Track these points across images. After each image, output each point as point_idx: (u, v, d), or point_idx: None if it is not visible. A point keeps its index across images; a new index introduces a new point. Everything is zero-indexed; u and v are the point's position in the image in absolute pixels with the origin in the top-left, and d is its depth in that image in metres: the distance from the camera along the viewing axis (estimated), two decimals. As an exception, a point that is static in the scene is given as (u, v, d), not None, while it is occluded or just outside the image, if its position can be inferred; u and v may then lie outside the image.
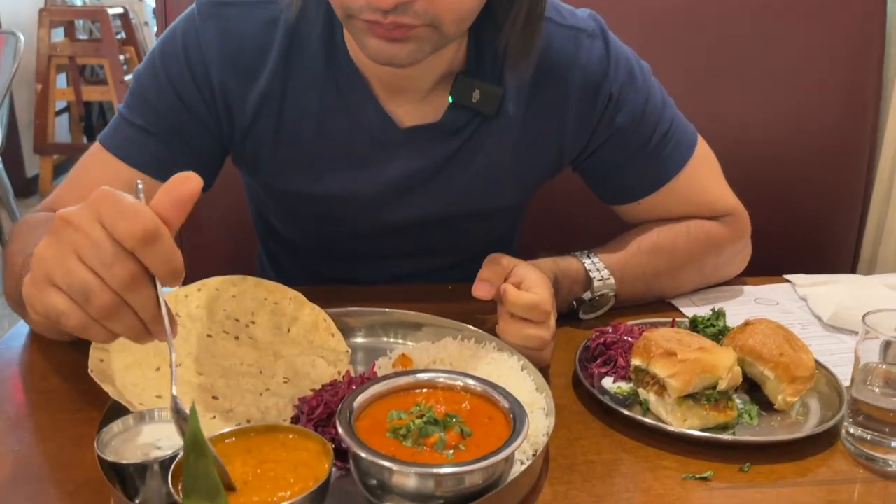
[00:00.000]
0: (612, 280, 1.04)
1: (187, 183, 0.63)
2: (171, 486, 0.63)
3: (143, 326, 0.63)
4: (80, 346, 0.97)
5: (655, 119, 1.08)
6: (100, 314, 0.61)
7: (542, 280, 0.91)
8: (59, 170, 5.15)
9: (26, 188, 4.70)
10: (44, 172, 4.77)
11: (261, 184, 1.11)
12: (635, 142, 1.08)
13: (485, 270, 0.92)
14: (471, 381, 0.76)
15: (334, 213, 1.10)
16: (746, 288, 1.19)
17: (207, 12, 0.98)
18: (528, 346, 0.88)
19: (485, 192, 1.09)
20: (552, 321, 0.90)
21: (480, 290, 0.90)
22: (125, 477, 0.67)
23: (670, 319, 1.00)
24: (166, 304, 0.64)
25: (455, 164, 1.05)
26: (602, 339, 0.95)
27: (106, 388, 0.75)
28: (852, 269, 1.71)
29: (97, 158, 1.01)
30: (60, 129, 5.11)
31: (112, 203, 0.61)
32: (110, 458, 0.68)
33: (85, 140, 5.29)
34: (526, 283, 0.90)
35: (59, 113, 5.01)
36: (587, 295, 1.04)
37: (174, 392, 0.64)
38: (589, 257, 1.06)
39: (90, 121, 5.33)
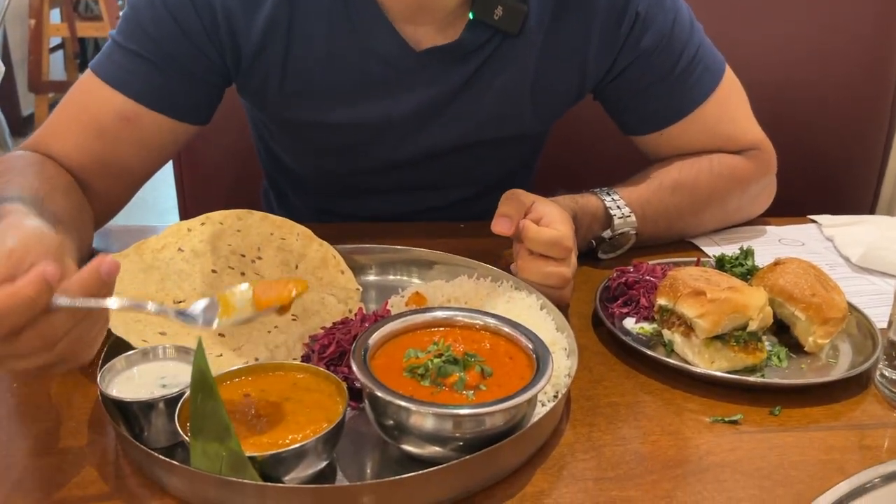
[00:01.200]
0: (632, 217, 1.00)
1: None
2: (177, 425, 0.60)
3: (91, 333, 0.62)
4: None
5: (683, 43, 1.03)
6: (59, 360, 0.60)
7: (562, 216, 0.86)
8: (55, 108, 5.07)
9: (22, 127, 4.62)
10: (39, 111, 4.67)
11: (268, 116, 1.06)
12: (661, 65, 1.03)
13: (504, 206, 0.87)
14: (490, 320, 0.72)
15: (346, 145, 1.05)
16: (771, 228, 1.14)
17: None
18: (548, 284, 0.84)
19: (503, 119, 1.04)
20: (573, 258, 0.86)
21: (500, 225, 0.85)
22: (129, 415, 0.64)
23: (694, 259, 0.96)
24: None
25: (472, 87, 1.00)
26: (623, 279, 0.91)
27: (110, 324, 0.71)
28: (871, 210, 1.67)
29: (89, 87, 0.96)
30: (55, 67, 4.99)
31: None
32: (113, 395, 0.65)
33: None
34: (546, 218, 0.85)
35: (53, 50, 4.88)
36: (607, 233, 1.00)
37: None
38: (609, 194, 1.01)
39: (85, 58, 5.20)
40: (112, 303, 0.60)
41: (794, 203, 1.22)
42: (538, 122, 1.09)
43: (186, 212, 1.47)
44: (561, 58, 1.01)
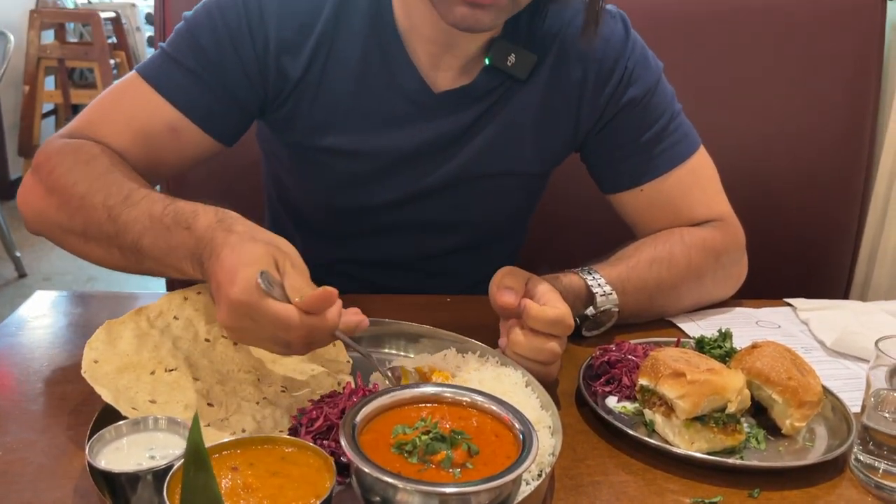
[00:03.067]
0: (614, 295, 1.03)
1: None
2: (165, 498, 0.60)
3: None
4: (72, 345, 0.95)
5: (664, 104, 1.13)
6: (301, 351, 0.78)
7: (558, 294, 0.89)
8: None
9: (8, 190, 4.63)
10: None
11: (292, 144, 1.12)
12: (643, 120, 1.12)
13: (506, 279, 0.90)
14: (478, 397, 0.74)
15: (362, 175, 1.11)
16: (748, 310, 1.18)
17: None
18: (539, 359, 0.86)
19: (506, 152, 1.12)
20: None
21: (507, 296, 0.88)
22: (116, 487, 0.64)
23: (675, 339, 0.99)
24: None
25: (481, 123, 1.09)
26: (606, 357, 0.93)
27: (99, 390, 0.72)
28: (845, 292, 1.72)
29: (138, 91, 1.02)
30: (46, 132, 5.04)
31: (272, 320, 0.73)
32: (101, 466, 0.65)
33: (71, 143, 5.22)
34: (544, 297, 0.88)
35: (45, 115, 4.95)
36: (590, 311, 1.03)
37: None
38: (589, 273, 1.05)
39: (77, 124, 5.26)
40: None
41: (770, 286, 1.26)
42: (538, 161, 1.16)
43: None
44: (559, 103, 1.11)
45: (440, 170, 1.11)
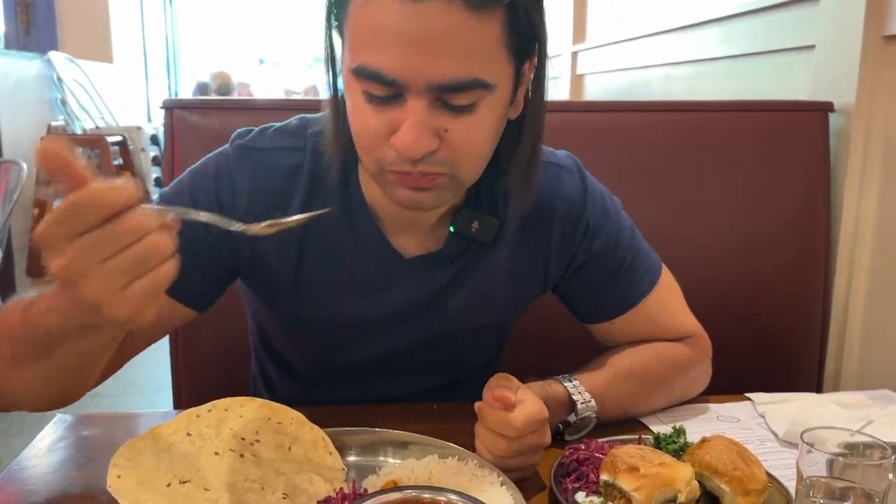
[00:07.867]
0: (593, 402, 1.13)
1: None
2: None
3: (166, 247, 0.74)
4: (85, 470, 1.03)
5: (626, 247, 1.22)
6: (143, 265, 0.72)
7: (531, 399, 0.99)
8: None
9: (16, 309, 4.75)
10: (34, 294, 4.83)
11: (277, 310, 1.20)
12: (609, 266, 1.21)
13: (501, 381, 1.00)
14: (454, 496, 0.83)
15: (342, 337, 1.20)
16: (710, 406, 1.28)
17: (240, 154, 1.09)
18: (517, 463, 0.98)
19: (478, 311, 1.20)
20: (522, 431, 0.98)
21: (505, 391, 0.97)
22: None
23: (637, 437, 1.09)
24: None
25: (452, 287, 1.16)
26: (575, 456, 1.03)
27: (123, 502, 0.82)
28: (818, 386, 1.81)
29: None
30: (53, 252, 5.19)
31: (76, 213, 0.70)
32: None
33: (76, 261, 5.37)
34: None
35: (52, 236, 5.11)
36: (572, 417, 1.13)
37: None
38: (570, 381, 1.14)
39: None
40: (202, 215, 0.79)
41: (741, 386, 1.35)
42: (508, 312, 1.26)
43: (180, 390, 1.59)
44: (527, 261, 1.19)
45: (417, 331, 1.18)
